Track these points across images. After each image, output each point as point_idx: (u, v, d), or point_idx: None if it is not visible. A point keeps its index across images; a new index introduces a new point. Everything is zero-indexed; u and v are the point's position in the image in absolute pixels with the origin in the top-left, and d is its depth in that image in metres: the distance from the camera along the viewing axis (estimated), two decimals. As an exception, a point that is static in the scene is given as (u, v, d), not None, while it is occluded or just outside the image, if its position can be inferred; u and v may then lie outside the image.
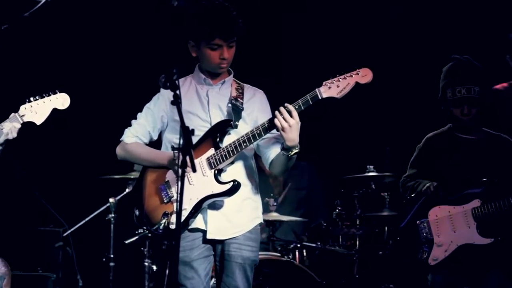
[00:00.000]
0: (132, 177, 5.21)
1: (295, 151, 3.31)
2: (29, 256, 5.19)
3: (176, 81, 2.73)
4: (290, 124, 3.24)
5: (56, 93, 3.56)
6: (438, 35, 5.70)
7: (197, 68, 3.54)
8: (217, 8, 3.38)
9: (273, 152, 3.45)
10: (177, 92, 2.70)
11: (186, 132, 2.64)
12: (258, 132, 3.32)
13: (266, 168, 3.54)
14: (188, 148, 2.63)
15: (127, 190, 5.23)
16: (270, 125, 3.31)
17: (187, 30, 3.45)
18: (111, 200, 5.19)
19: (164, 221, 3.31)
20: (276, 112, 3.27)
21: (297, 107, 3.26)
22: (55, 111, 3.56)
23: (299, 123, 3.28)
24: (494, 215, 3.75)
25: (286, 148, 3.31)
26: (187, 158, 2.66)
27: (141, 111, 3.55)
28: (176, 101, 2.70)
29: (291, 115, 3.25)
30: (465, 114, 3.91)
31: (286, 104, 3.27)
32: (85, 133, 5.87)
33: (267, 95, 3.58)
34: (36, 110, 3.50)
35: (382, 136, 5.84)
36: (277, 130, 3.28)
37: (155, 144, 3.56)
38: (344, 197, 5.50)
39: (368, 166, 5.43)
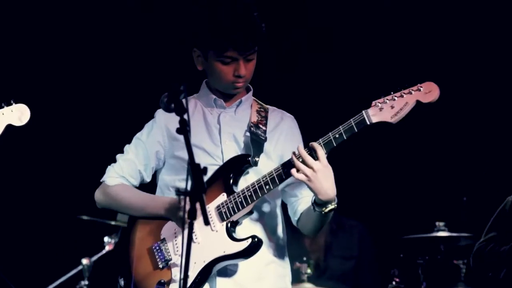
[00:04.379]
0: (112, 223, 5.32)
1: (330, 207, 3.39)
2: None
3: (184, 102, 2.87)
4: (315, 170, 3.31)
5: (11, 104, 3.61)
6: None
7: (204, 86, 3.69)
8: (232, 7, 3.50)
9: (303, 203, 3.55)
10: (185, 116, 2.83)
11: (196, 170, 2.73)
12: (272, 177, 3.41)
13: (294, 223, 3.66)
14: (199, 192, 2.72)
15: (106, 248, 5.35)
16: (286, 170, 3.38)
17: (190, 34, 3.61)
18: (84, 261, 5.30)
19: (159, 294, 3.43)
20: (292, 155, 3.36)
21: (337, 136, 3.34)
22: (10, 128, 3.60)
23: (330, 167, 3.33)
24: None
25: (318, 203, 3.40)
26: (197, 205, 2.74)
27: (129, 142, 3.69)
28: (184, 129, 2.80)
29: (315, 157, 3.33)
30: None
31: (311, 143, 3.33)
32: (54, 165, 6.12)
33: (298, 120, 3.72)
34: None
35: (456, 183, 5.98)
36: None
37: (148, 187, 3.70)
38: (403, 265, 5.60)
39: (437, 224, 5.55)
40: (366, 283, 5.89)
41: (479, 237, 4.27)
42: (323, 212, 3.40)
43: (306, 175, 3.32)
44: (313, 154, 3.34)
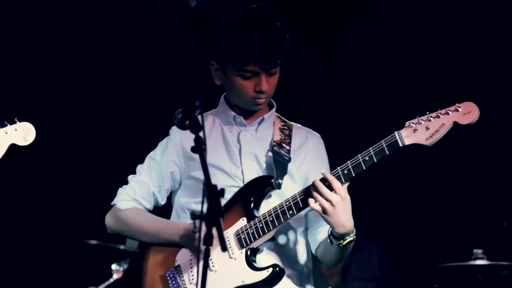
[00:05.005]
0: (121, 248, 5.31)
1: (349, 239, 3.36)
2: None
3: (200, 118, 2.83)
4: (333, 203, 3.28)
5: (15, 122, 3.59)
6: None
7: (223, 101, 3.66)
8: (253, 17, 3.46)
9: (323, 231, 3.51)
10: (201, 134, 2.79)
11: (213, 193, 2.71)
12: (296, 202, 3.37)
13: (313, 251, 3.63)
14: (216, 216, 2.70)
15: (114, 276, 5.34)
16: (303, 198, 3.35)
17: (208, 46, 3.56)
18: None
19: (172, 327, 3.40)
20: (310, 187, 3.33)
21: (367, 158, 3.30)
22: (14, 148, 3.56)
23: (348, 198, 3.30)
24: None
25: (335, 236, 3.37)
26: (214, 230, 2.69)
27: (142, 162, 3.67)
28: (200, 148, 2.77)
29: (333, 189, 3.29)
30: None
31: (323, 172, 3.30)
32: (61, 186, 6.15)
33: (325, 139, 3.68)
34: None
35: (495, 206, 5.94)
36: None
37: (163, 210, 3.68)
38: None
39: (474, 251, 5.50)
40: None
41: None
42: (340, 245, 3.38)
43: (323, 208, 3.30)
44: (332, 186, 3.31)
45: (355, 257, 5.89)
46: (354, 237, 3.38)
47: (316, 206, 3.31)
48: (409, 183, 6.19)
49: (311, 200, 3.31)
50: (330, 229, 3.37)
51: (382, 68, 6.30)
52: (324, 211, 3.29)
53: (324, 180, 3.33)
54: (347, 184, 3.35)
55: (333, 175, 3.34)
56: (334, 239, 3.38)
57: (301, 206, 3.38)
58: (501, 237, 5.88)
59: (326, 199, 3.29)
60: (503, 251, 5.71)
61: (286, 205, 3.40)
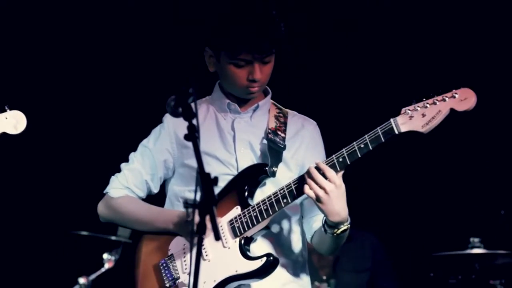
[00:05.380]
0: (112, 238, 5.32)
1: (343, 228, 3.36)
2: None
3: (193, 106, 2.82)
4: (327, 191, 3.27)
5: (5, 110, 3.58)
6: None
7: (217, 88, 3.65)
8: (247, 5, 3.44)
9: (318, 220, 3.50)
10: (194, 121, 2.78)
11: (206, 181, 2.70)
12: (290, 190, 3.36)
13: (308, 240, 3.62)
14: (209, 204, 2.69)
15: (106, 265, 5.34)
16: (298, 187, 3.34)
17: (201, 33, 3.57)
18: (81, 280, 5.31)
19: (165, 316, 3.39)
20: (305, 175, 3.32)
21: (362, 146, 3.28)
22: (4, 137, 3.57)
23: (343, 186, 3.30)
24: None
25: (329, 225, 3.37)
26: (207, 219, 2.68)
27: (135, 149, 3.65)
28: (193, 135, 2.75)
29: (328, 177, 3.28)
30: None
31: (317, 163, 3.29)
32: (51, 174, 6.14)
33: (321, 126, 3.67)
34: None
35: (493, 195, 5.93)
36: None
37: (156, 199, 3.66)
38: (434, 286, 5.56)
39: (471, 240, 5.51)
40: None
41: None
42: (335, 234, 3.37)
43: (317, 195, 3.29)
44: (326, 174, 3.30)
45: (347, 248, 5.88)
46: (349, 226, 3.37)
47: (311, 193, 3.29)
48: (404, 170, 6.20)
49: (306, 187, 3.30)
50: (324, 217, 3.36)
51: (378, 54, 6.28)
52: (318, 199, 3.28)
53: (319, 168, 3.31)
54: (342, 172, 3.34)
55: (328, 163, 3.32)
56: (328, 227, 3.37)
57: (295, 194, 3.36)
58: (499, 225, 5.88)
59: (320, 187, 3.28)
60: (500, 239, 5.72)
61: (280, 193, 3.38)
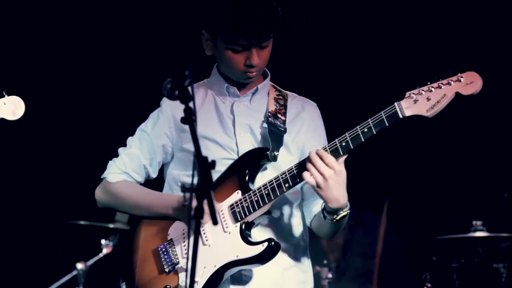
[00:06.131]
0: (111, 226, 5.34)
1: (342, 214, 3.37)
2: None
3: (190, 88, 2.81)
4: (326, 177, 3.27)
5: (3, 96, 3.59)
6: None
7: (215, 71, 3.64)
8: None
9: (318, 204, 3.50)
10: (191, 104, 2.78)
11: (203, 164, 2.70)
12: (292, 175, 3.36)
13: (307, 224, 3.63)
14: (206, 188, 2.69)
15: (103, 251, 5.36)
16: (299, 171, 3.33)
17: (199, 16, 3.56)
18: (79, 266, 5.33)
19: (165, 301, 3.40)
20: (306, 160, 3.32)
21: (365, 130, 3.27)
22: (2, 123, 3.58)
23: (343, 172, 3.29)
24: None
25: (328, 211, 3.37)
26: (205, 203, 2.69)
27: (132, 134, 3.66)
28: (190, 118, 2.76)
29: (327, 163, 3.28)
30: None
31: (317, 150, 3.28)
32: (49, 160, 6.15)
33: (322, 109, 3.66)
34: None
35: (496, 178, 5.94)
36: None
37: (155, 183, 3.68)
38: (436, 269, 5.57)
39: (474, 223, 5.52)
40: (393, 284, 5.84)
41: None
42: (334, 220, 3.38)
43: (317, 182, 3.29)
44: (325, 160, 3.30)
45: (357, 232, 5.90)
46: (348, 211, 3.38)
47: (311, 180, 3.29)
48: (407, 155, 6.19)
49: (305, 174, 3.30)
50: (323, 204, 3.37)
51: (382, 36, 6.27)
52: (318, 185, 3.28)
53: (319, 154, 3.31)
54: (344, 157, 3.34)
55: (331, 148, 3.32)
56: (327, 213, 3.38)
57: (297, 179, 3.36)
58: (501, 208, 5.89)
59: (320, 173, 3.27)
60: (503, 222, 5.73)
61: (282, 178, 3.38)
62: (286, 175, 3.38)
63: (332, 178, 3.28)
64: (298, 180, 3.36)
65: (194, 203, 2.71)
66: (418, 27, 6.19)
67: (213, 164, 2.71)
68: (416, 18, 6.19)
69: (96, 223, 5.44)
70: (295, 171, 3.37)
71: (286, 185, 3.38)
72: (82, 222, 5.49)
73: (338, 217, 3.37)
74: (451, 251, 5.70)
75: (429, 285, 5.50)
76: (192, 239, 2.72)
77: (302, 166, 3.34)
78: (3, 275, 5.60)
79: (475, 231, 5.57)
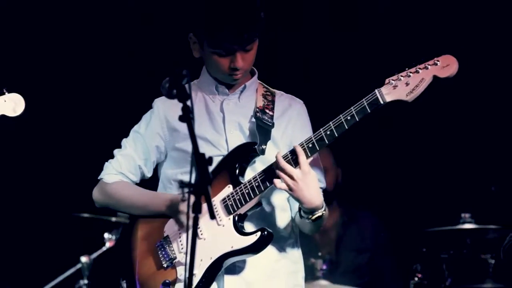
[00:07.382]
0: (113, 220, 5.37)
1: (317, 214, 3.48)
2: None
3: (187, 87, 2.92)
4: (295, 178, 3.38)
5: (4, 93, 3.66)
6: None
7: (204, 71, 3.75)
8: None
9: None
10: (188, 102, 2.88)
11: (201, 161, 2.78)
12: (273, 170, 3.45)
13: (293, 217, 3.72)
14: (204, 183, 2.75)
15: (107, 244, 5.39)
16: (268, 177, 3.44)
17: (186, 19, 3.65)
18: (83, 259, 5.36)
19: (163, 295, 3.48)
20: (274, 163, 3.43)
21: (348, 118, 3.37)
22: (3, 119, 3.68)
23: (312, 173, 3.38)
24: None
25: (304, 211, 3.49)
26: (202, 199, 2.77)
27: (127, 135, 3.76)
28: (188, 116, 2.85)
29: (295, 164, 3.38)
30: None
31: (294, 145, 3.38)
32: (50, 160, 6.18)
33: (307, 103, 3.76)
34: None
35: (484, 171, 6.01)
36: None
37: (149, 183, 3.78)
38: (426, 260, 5.65)
39: (462, 215, 5.59)
40: (383, 277, 5.95)
41: (509, 229, 4.25)
42: (310, 219, 3.49)
43: (287, 184, 3.40)
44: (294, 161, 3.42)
45: (350, 228, 5.99)
46: (324, 212, 3.47)
47: (281, 185, 3.41)
48: (395, 147, 6.20)
49: (276, 181, 3.41)
50: (299, 205, 3.48)
51: (360, 28, 6.33)
52: (288, 187, 3.39)
53: (293, 153, 3.44)
54: (310, 159, 3.45)
55: (316, 137, 3.43)
56: (304, 213, 3.49)
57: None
58: (489, 201, 5.95)
59: (288, 175, 3.39)
60: (491, 215, 5.75)
61: (270, 170, 3.49)
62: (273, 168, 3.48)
63: (301, 179, 3.39)
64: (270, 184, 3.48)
65: (192, 199, 2.80)
66: (395, 15, 6.21)
67: (210, 160, 2.83)
68: (393, 6, 6.23)
69: (99, 216, 5.47)
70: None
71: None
72: (85, 215, 5.52)
73: (314, 217, 3.47)
74: (441, 243, 5.70)
75: (419, 275, 5.60)
76: (189, 233, 2.81)
77: (270, 172, 3.46)
78: (8, 268, 5.61)
79: (464, 223, 5.61)
